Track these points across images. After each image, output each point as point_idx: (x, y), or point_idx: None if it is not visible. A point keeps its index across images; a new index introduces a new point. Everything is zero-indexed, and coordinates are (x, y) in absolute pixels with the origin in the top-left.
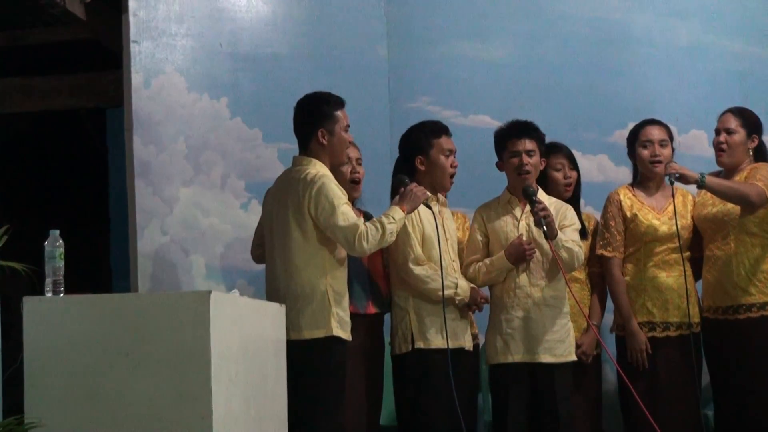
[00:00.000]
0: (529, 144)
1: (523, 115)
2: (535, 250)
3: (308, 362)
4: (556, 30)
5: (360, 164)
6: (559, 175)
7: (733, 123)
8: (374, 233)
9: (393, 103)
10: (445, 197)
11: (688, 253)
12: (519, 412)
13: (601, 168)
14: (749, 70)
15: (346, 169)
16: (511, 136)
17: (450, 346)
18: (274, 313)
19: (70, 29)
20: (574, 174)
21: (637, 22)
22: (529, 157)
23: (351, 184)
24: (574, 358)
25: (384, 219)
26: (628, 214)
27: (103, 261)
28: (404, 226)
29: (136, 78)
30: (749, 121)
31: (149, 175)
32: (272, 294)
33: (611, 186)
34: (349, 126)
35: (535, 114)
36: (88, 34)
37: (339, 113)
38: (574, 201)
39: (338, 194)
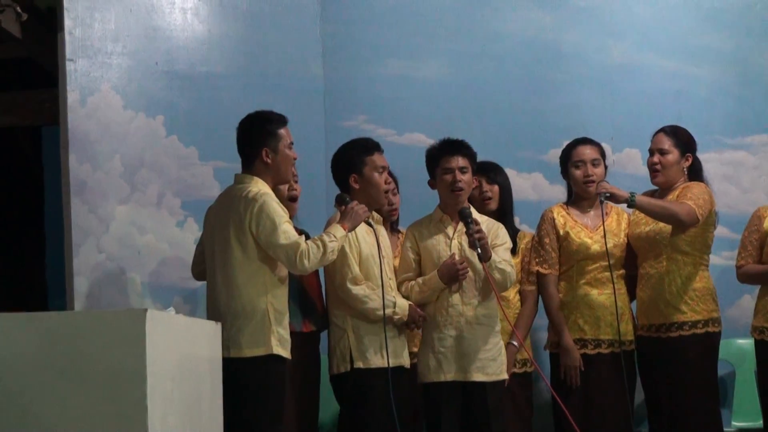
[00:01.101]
0: (461, 161)
1: (457, 133)
2: (468, 269)
3: (247, 380)
4: (490, 49)
5: (296, 181)
6: (475, 192)
7: (666, 143)
8: (315, 251)
9: (328, 122)
10: (390, 217)
11: (622, 271)
12: (451, 430)
13: (536, 186)
14: (682, 89)
15: (284, 186)
16: (443, 153)
17: (393, 365)
18: (211, 331)
19: (6, 47)
20: (493, 188)
21: (570, 41)
22: (462, 173)
23: (288, 202)
24: (505, 376)
25: (325, 237)
26: (561, 232)
27: (38, 279)
28: (342, 246)
29: (72, 96)
30: (682, 140)
31: (85, 193)
32: (213, 311)
33: (546, 204)
34: (292, 143)
35: (470, 132)
36: (24, 52)
37: (282, 131)
38: (504, 214)
39: (279, 213)
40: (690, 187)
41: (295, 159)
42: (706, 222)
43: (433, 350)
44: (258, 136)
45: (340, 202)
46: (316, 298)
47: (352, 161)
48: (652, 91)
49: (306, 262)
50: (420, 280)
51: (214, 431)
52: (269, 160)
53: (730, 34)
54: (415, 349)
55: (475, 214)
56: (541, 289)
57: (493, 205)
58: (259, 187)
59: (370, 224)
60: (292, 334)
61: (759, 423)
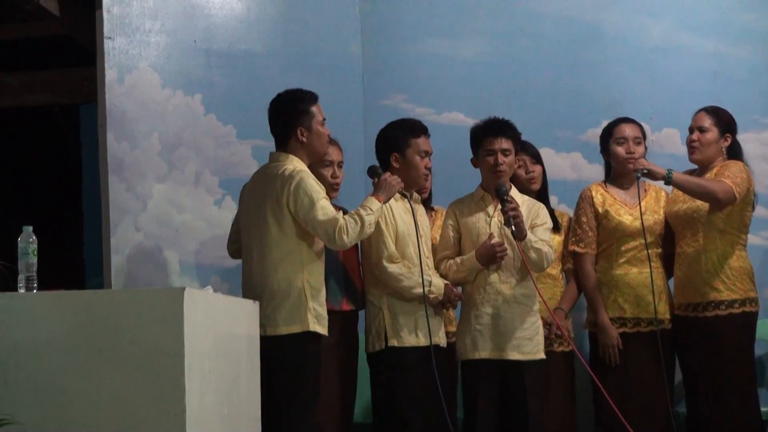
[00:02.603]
0: (505, 143)
1: (495, 113)
2: (507, 250)
3: (283, 358)
4: (528, 29)
5: (341, 167)
6: (520, 172)
7: (706, 121)
8: (353, 226)
9: (367, 101)
10: (421, 194)
11: (659, 250)
12: (489, 408)
13: (575, 166)
14: (722, 69)
15: (328, 171)
16: (487, 134)
17: (426, 344)
18: (248, 309)
19: (44, 25)
20: (537, 168)
21: (610, 20)
22: (505, 156)
23: (330, 187)
24: (542, 355)
25: (362, 211)
26: (600, 210)
27: (76, 257)
28: (377, 223)
29: (110, 74)
30: (723, 120)
31: (123, 171)
32: (248, 290)
33: (584, 183)
34: (325, 120)
35: (508, 112)
36: (62, 30)
37: (314, 108)
38: (542, 196)
39: (317, 189)
40: (728, 165)
41: (328, 135)
42: (743, 201)
43: (470, 328)
44: (291, 115)
45: (372, 173)
46: (356, 278)
47: (397, 140)
48: (691, 71)
49: (345, 237)
50: (458, 259)
51: (251, 409)
52: (304, 139)
53: None
54: (451, 329)
55: (516, 195)
56: (578, 267)
57: (537, 185)
58: (295, 164)
59: (404, 195)
60: (332, 313)
61: None
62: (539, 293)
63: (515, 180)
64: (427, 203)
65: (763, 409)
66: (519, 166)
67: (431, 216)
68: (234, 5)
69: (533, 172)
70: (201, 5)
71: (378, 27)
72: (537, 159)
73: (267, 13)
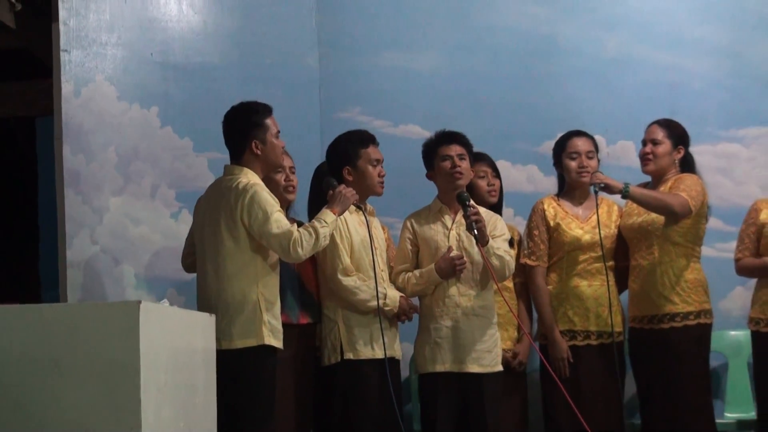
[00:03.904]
0: (459, 149)
1: (452, 125)
2: (466, 263)
3: (239, 371)
4: (485, 42)
5: (293, 173)
6: (482, 183)
7: (659, 134)
8: (308, 238)
9: (324, 113)
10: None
11: (612, 263)
12: (447, 421)
13: (531, 178)
14: (677, 81)
15: (280, 177)
16: (441, 143)
17: (381, 356)
18: (204, 323)
19: (0, 38)
20: (497, 182)
21: (565, 34)
22: (461, 160)
23: (286, 191)
24: (500, 368)
25: (316, 223)
26: (552, 223)
27: (32, 271)
28: (332, 236)
29: (66, 87)
30: (675, 132)
31: (79, 184)
32: (203, 303)
33: (541, 196)
34: (279, 132)
35: (465, 124)
36: (18, 43)
37: (268, 121)
38: (497, 210)
39: (271, 202)
40: (683, 178)
41: (283, 147)
42: (698, 214)
43: (429, 341)
44: (246, 128)
45: (327, 186)
46: (313, 291)
47: (347, 153)
48: (647, 83)
49: (300, 249)
50: (417, 272)
51: (207, 423)
52: (258, 151)
53: (724, 27)
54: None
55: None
56: (529, 280)
57: (495, 199)
58: (249, 177)
59: (359, 207)
60: (289, 326)
61: (752, 414)
62: (505, 300)
63: (475, 190)
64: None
65: (717, 420)
66: (481, 177)
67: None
68: (191, 18)
69: (494, 185)
70: (157, 18)
71: (335, 40)
72: (497, 173)
73: (224, 25)
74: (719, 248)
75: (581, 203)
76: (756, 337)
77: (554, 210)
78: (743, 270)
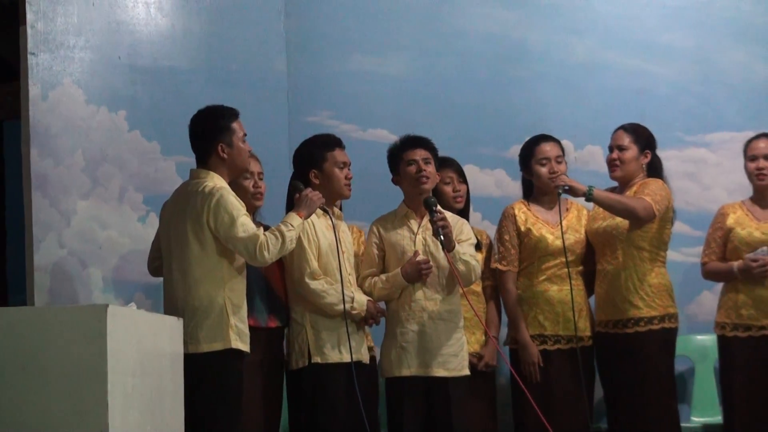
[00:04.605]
0: (424, 153)
1: (421, 129)
2: (432, 268)
3: (205, 375)
4: (454, 46)
5: (262, 178)
6: (448, 189)
7: (625, 140)
8: (274, 242)
9: (292, 117)
10: (341, 209)
11: (580, 268)
12: (414, 425)
13: (499, 183)
14: (644, 87)
15: (248, 183)
16: (406, 147)
17: (349, 360)
18: (172, 326)
19: None
20: (463, 187)
21: (534, 38)
22: (426, 164)
23: (253, 198)
24: (467, 372)
25: (283, 227)
26: (522, 228)
27: None
28: (300, 240)
29: (34, 90)
30: (641, 137)
31: (46, 187)
32: (170, 307)
33: (509, 200)
34: (246, 135)
35: (433, 128)
36: None
37: (235, 125)
38: (464, 215)
39: (237, 206)
40: (648, 183)
41: (249, 151)
42: (663, 218)
43: (395, 345)
44: (212, 132)
45: (293, 189)
46: (282, 294)
47: (313, 157)
48: (615, 88)
49: (266, 253)
50: (383, 277)
51: (175, 427)
52: (225, 155)
53: (692, 33)
54: (372, 345)
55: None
56: (500, 285)
57: (461, 204)
58: (215, 181)
59: (325, 210)
60: (258, 329)
61: (718, 418)
62: (471, 305)
63: (441, 196)
64: None
65: (684, 424)
66: (446, 183)
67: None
68: (159, 21)
69: (460, 191)
70: (125, 21)
71: (303, 43)
72: (463, 178)
73: (192, 29)
74: (686, 253)
75: (551, 208)
76: (722, 341)
77: (525, 215)
78: (709, 274)
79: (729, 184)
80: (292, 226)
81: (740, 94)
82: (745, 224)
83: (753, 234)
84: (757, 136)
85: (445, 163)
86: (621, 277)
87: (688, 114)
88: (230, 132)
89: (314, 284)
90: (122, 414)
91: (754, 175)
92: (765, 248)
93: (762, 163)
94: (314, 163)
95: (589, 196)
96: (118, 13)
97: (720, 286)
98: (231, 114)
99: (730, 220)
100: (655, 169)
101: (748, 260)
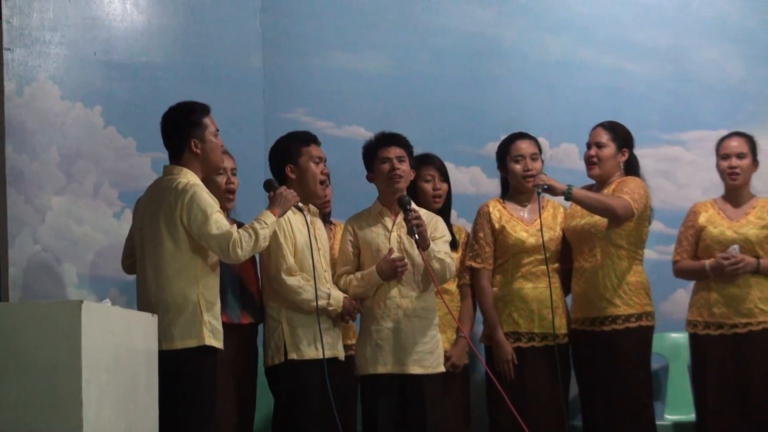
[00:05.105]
0: (399, 151)
1: (396, 127)
2: (407, 265)
3: (179, 372)
4: (429, 43)
5: (235, 174)
6: (428, 187)
7: (603, 137)
8: (248, 239)
9: (268, 114)
10: (330, 211)
11: (557, 265)
12: (388, 423)
13: (474, 180)
14: (620, 85)
15: (221, 179)
16: (380, 145)
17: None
18: (146, 323)
19: None
20: (444, 186)
21: (510, 36)
22: (400, 162)
23: (226, 195)
24: (442, 369)
25: (256, 224)
26: (497, 226)
27: None
28: (276, 236)
29: (9, 86)
30: (620, 135)
31: (21, 183)
32: (143, 304)
33: (484, 198)
34: (218, 131)
35: (409, 126)
36: None
37: (207, 120)
38: (444, 213)
39: (210, 203)
40: (626, 181)
41: (222, 146)
42: (641, 216)
43: (370, 342)
44: (184, 127)
45: (268, 187)
46: (254, 291)
47: (289, 151)
48: (590, 86)
49: (239, 250)
50: (358, 274)
51: (149, 424)
52: (198, 150)
53: (667, 31)
54: (349, 342)
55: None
56: (474, 283)
57: (440, 204)
58: (189, 178)
59: (299, 209)
60: (231, 326)
61: (691, 416)
62: (445, 303)
63: (420, 194)
64: (327, 218)
65: (659, 422)
66: (427, 180)
67: (331, 230)
68: (135, 17)
69: (440, 189)
70: (101, 17)
71: (279, 40)
72: (445, 177)
73: (168, 25)
74: (661, 251)
75: (526, 206)
76: (694, 339)
77: (499, 213)
78: (681, 272)
79: (704, 182)
80: (265, 223)
81: (715, 93)
82: (717, 223)
83: (725, 233)
84: (729, 135)
85: (427, 161)
86: (599, 275)
87: (664, 112)
88: (202, 127)
89: (291, 280)
90: (96, 410)
91: (726, 174)
92: (736, 246)
93: (734, 161)
94: (290, 157)
95: (568, 195)
96: (93, 9)
97: (694, 284)
98: (202, 109)
99: (702, 219)
100: (632, 168)
101: (720, 258)
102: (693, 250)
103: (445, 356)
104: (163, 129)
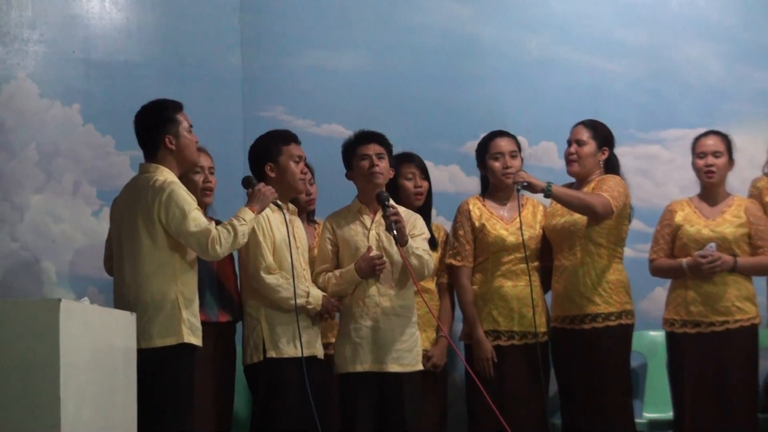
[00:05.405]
0: (378, 148)
1: (375, 125)
2: (386, 263)
3: (159, 370)
4: (408, 41)
5: (213, 173)
6: (409, 184)
7: (584, 135)
8: (226, 236)
9: (246, 112)
10: (315, 211)
11: (537, 263)
12: (367, 421)
13: (453, 178)
14: (598, 83)
15: (199, 177)
16: (359, 142)
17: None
18: (125, 321)
19: None
20: (425, 184)
21: (489, 34)
22: (379, 159)
23: (204, 192)
24: (421, 367)
25: (235, 221)
26: (477, 224)
27: None
28: (255, 234)
29: None
30: (600, 133)
31: (0, 181)
32: (121, 302)
33: (463, 196)
34: (192, 127)
35: (388, 124)
36: None
37: (179, 116)
38: (425, 211)
39: (188, 200)
40: (605, 179)
41: (196, 142)
42: (620, 215)
43: (349, 341)
44: (157, 124)
45: (246, 184)
46: (232, 289)
47: (269, 150)
48: (569, 85)
49: (218, 247)
50: (337, 272)
51: (127, 422)
52: (173, 147)
53: (645, 30)
54: (333, 340)
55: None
56: (454, 281)
57: (421, 201)
58: (166, 175)
59: (278, 205)
60: (209, 324)
61: (669, 414)
62: (425, 301)
63: (401, 191)
64: (311, 216)
65: (637, 420)
66: (408, 178)
67: (315, 229)
68: (113, 15)
69: (421, 186)
70: (80, 15)
71: (258, 38)
72: (426, 175)
73: (146, 23)
74: (639, 249)
75: (506, 204)
76: (670, 338)
77: (479, 210)
78: (657, 271)
79: (682, 180)
80: (244, 220)
81: (694, 91)
82: (694, 221)
83: (702, 231)
84: (706, 133)
85: (408, 159)
86: (579, 274)
87: (642, 111)
88: (176, 123)
89: (269, 278)
90: (75, 409)
91: (702, 173)
92: (713, 245)
93: (710, 160)
94: (270, 156)
95: (547, 193)
96: (72, 7)
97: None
98: (175, 106)
99: (678, 217)
100: (612, 167)
101: (697, 257)
102: (669, 248)
103: (426, 356)
104: (137, 127)
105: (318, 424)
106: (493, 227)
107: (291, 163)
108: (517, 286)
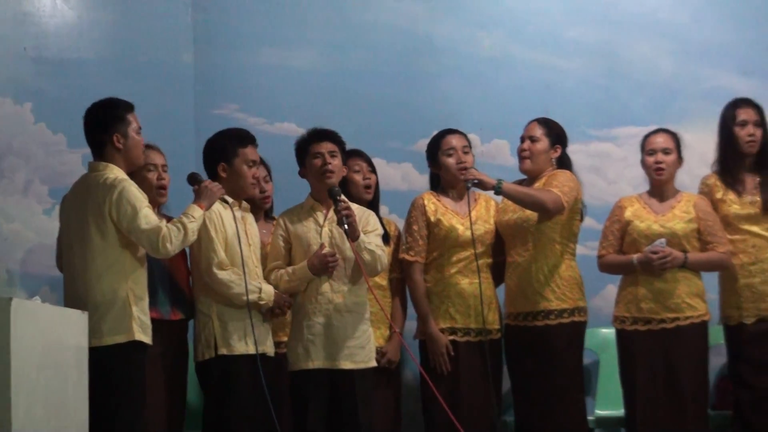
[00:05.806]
0: (330, 146)
1: (328, 123)
2: (338, 261)
3: (109, 368)
4: (362, 39)
5: (166, 170)
6: (358, 177)
7: (537, 131)
8: (177, 233)
9: (198, 110)
10: (272, 208)
11: (489, 260)
12: (319, 419)
13: (406, 176)
14: (551, 81)
15: (153, 175)
16: (312, 140)
17: (255, 352)
18: (77, 320)
19: None
20: (373, 177)
21: (442, 32)
22: (332, 157)
23: (158, 191)
24: (374, 363)
25: (184, 218)
26: (433, 218)
27: None
28: (207, 230)
29: None
30: (554, 131)
31: None
32: (72, 301)
33: (415, 194)
34: (140, 128)
35: (341, 122)
36: None
37: (130, 116)
38: (374, 205)
39: (139, 197)
40: (556, 175)
41: (152, 147)
42: (572, 210)
43: (301, 338)
44: (107, 123)
45: (192, 181)
46: (185, 286)
47: (225, 150)
48: (521, 83)
49: (168, 245)
50: (289, 269)
51: (79, 421)
52: (121, 146)
53: (598, 27)
54: (285, 339)
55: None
56: (406, 276)
57: (371, 195)
58: (116, 173)
59: (225, 201)
60: (161, 322)
61: (621, 411)
62: (376, 298)
63: (352, 186)
64: (268, 213)
65: (589, 417)
66: (356, 171)
67: (272, 225)
68: (65, 13)
69: (369, 179)
70: (31, 12)
71: (211, 36)
72: (372, 168)
73: (99, 20)
74: (591, 246)
75: (459, 200)
76: (621, 335)
77: (435, 205)
78: (607, 267)
79: (634, 178)
80: (193, 217)
81: (645, 89)
82: (644, 217)
83: (652, 227)
84: (656, 131)
85: (354, 153)
86: (532, 270)
87: (594, 108)
88: (125, 123)
89: (222, 274)
90: (26, 408)
91: (652, 170)
92: (663, 240)
93: (660, 157)
94: (225, 156)
95: (498, 190)
96: (24, 4)
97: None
98: (126, 105)
99: (628, 213)
100: (564, 165)
101: (647, 252)
102: (618, 244)
103: (380, 352)
104: (87, 124)
105: (276, 420)
106: (449, 221)
107: (244, 166)
108: (474, 282)
